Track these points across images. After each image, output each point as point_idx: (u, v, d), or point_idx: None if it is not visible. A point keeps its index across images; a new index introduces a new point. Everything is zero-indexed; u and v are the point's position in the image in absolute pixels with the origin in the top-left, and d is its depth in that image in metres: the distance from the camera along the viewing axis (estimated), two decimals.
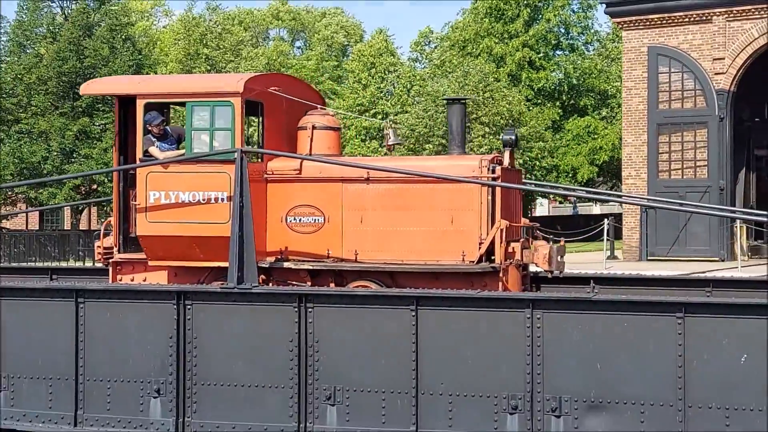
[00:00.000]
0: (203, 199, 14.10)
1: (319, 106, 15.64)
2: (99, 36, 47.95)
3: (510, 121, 50.53)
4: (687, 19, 34.27)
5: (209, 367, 12.30)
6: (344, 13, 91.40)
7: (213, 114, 14.28)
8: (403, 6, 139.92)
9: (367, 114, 60.10)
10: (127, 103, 14.95)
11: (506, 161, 14.54)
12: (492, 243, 13.87)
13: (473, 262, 13.86)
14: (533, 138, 52.27)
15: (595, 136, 57.06)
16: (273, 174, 14.58)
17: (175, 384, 12.33)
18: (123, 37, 49.40)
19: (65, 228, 58.82)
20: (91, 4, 49.62)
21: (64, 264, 36.29)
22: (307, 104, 15.38)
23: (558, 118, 58.36)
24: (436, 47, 76.25)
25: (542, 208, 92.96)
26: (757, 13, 33.19)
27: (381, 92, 61.51)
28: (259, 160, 14.63)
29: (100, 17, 49.15)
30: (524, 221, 15.52)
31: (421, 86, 58.48)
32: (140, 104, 14.51)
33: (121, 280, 14.79)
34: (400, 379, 11.72)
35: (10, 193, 49.33)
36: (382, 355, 11.86)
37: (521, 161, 51.31)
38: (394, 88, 62.74)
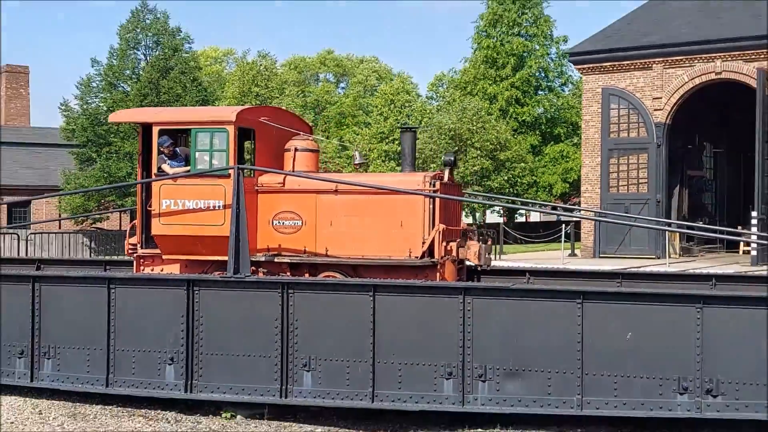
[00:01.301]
0: (203, 206, 14.08)
1: (302, 132, 15.56)
2: (173, 77, 48.07)
3: (498, 146, 50.45)
4: (632, 66, 34.15)
5: (212, 340, 12.33)
6: (378, 60, 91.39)
7: (212, 138, 14.29)
8: (428, 48, 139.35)
9: (386, 140, 60.09)
10: (149, 129, 14.94)
11: (446, 177, 14.51)
12: (432, 242, 13.86)
13: (417, 257, 13.83)
14: (517, 160, 52.08)
15: (568, 160, 56.82)
16: (262, 186, 14.57)
17: (185, 353, 12.37)
18: (191, 78, 49.57)
19: None
20: (167, 52, 49.84)
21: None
22: (291, 131, 15.37)
23: (538, 144, 58.17)
24: (447, 88, 76.13)
25: (535, 215, 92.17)
26: (687, 62, 33.01)
27: (398, 123, 61.39)
28: (252, 175, 14.59)
29: (174, 63, 49.31)
30: (463, 225, 15.42)
31: (429, 119, 58.46)
32: (155, 130, 14.55)
33: (143, 270, 14.83)
34: (361, 351, 11.74)
35: (102, 200, 49.69)
36: (346, 331, 11.87)
37: (506, 178, 51.23)
38: (408, 119, 62.70)
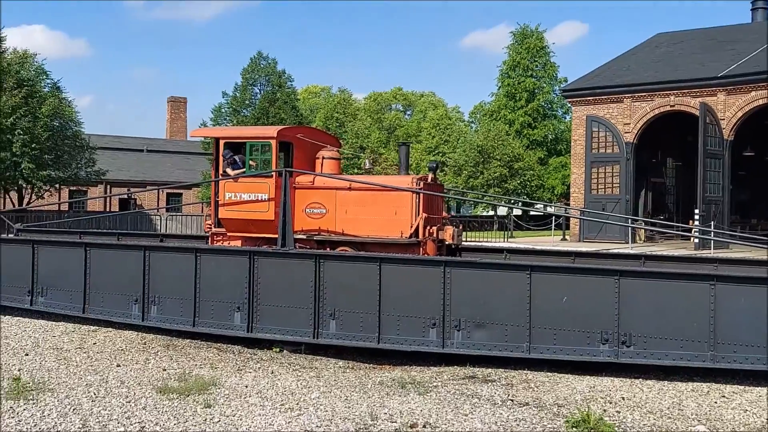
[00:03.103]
0: (254, 198, 14.07)
1: (328, 145, 15.43)
2: (278, 106, 48.41)
3: (513, 158, 49.75)
4: (609, 100, 33.38)
5: (267, 295, 12.30)
6: (434, 94, 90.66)
7: (260, 149, 14.27)
8: (473, 83, 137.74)
9: (433, 153, 59.63)
10: (218, 142, 14.88)
11: (430, 179, 14.31)
12: (418, 226, 13.66)
13: (406, 237, 13.65)
14: (528, 168, 51.35)
15: (566, 168, 55.71)
16: (298, 184, 14.46)
17: (248, 304, 12.36)
18: (292, 106, 49.82)
19: None
20: (275, 88, 50.17)
21: None
22: (320, 144, 15.27)
23: (544, 157, 57.25)
24: (482, 115, 75.26)
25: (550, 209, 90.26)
26: (649, 97, 32.17)
27: (442, 140, 60.89)
28: (291, 176, 14.50)
29: (279, 95, 49.62)
30: (444, 214, 15.11)
31: (464, 138, 57.95)
32: (221, 143, 14.60)
33: (216, 243, 14.85)
34: (371, 305, 11.58)
35: None
36: (360, 291, 11.72)
37: (520, 182, 50.45)
38: (449, 137, 62.18)
